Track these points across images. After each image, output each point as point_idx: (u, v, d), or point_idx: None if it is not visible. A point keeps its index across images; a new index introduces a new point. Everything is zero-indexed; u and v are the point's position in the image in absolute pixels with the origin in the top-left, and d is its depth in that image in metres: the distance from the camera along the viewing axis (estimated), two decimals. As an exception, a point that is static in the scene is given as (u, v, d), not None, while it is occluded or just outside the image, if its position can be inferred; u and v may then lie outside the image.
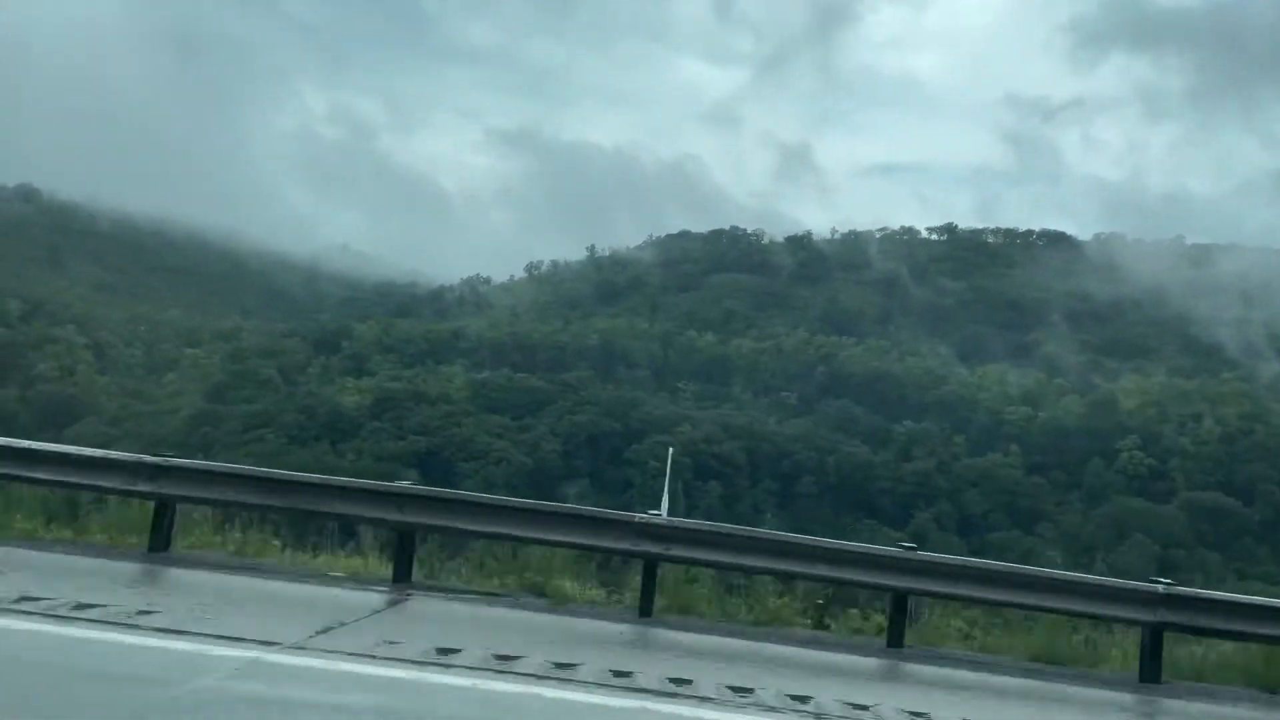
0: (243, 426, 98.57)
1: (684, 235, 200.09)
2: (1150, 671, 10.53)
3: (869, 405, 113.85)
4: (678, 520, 11.44)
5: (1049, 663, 10.88)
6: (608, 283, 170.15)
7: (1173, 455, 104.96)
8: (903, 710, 7.88)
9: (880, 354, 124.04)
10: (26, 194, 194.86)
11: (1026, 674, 10.23)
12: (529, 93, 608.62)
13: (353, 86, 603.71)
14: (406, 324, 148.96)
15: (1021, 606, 10.99)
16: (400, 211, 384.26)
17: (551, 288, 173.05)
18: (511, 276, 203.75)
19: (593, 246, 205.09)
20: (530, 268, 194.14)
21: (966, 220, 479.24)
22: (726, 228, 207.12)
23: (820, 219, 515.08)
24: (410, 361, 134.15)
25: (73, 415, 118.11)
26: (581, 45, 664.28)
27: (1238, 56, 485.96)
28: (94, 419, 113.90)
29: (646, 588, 10.76)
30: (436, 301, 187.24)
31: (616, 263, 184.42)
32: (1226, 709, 9.97)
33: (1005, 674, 10.08)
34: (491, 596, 10.90)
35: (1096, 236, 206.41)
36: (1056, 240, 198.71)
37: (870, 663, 10.10)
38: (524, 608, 10.46)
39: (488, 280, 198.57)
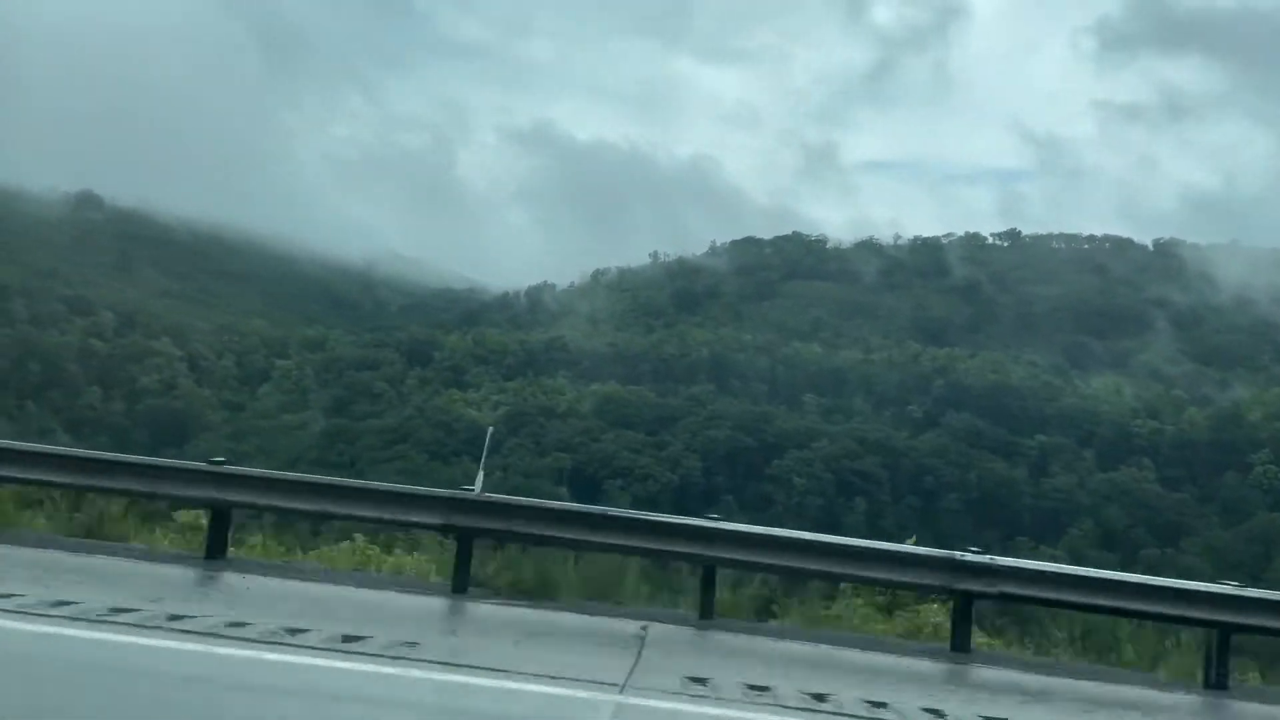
0: (381, 443, 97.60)
1: (749, 240, 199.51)
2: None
3: (990, 418, 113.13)
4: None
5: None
6: (685, 291, 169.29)
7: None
8: None
9: (996, 366, 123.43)
10: (90, 201, 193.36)
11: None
12: (533, 92, 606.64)
13: (364, 88, 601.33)
14: (498, 334, 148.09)
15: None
16: (434, 215, 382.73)
17: (629, 296, 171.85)
18: (572, 283, 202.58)
19: (656, 252, 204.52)
20: (597, 274, 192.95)
21: (991, 222, 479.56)
22: (789, 233, 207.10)
23: (837, 218, 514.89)
24: (509, 374, 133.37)
25: (183, 430, 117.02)
26: (578, 43, 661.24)
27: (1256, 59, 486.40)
28: (210, 434, 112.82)
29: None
30: (507, 309, 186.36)
31: (687, 269, 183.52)
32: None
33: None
34: None
35: (1157, 241, 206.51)
36: (1123, 245, 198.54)
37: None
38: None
39: (553, 286, 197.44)
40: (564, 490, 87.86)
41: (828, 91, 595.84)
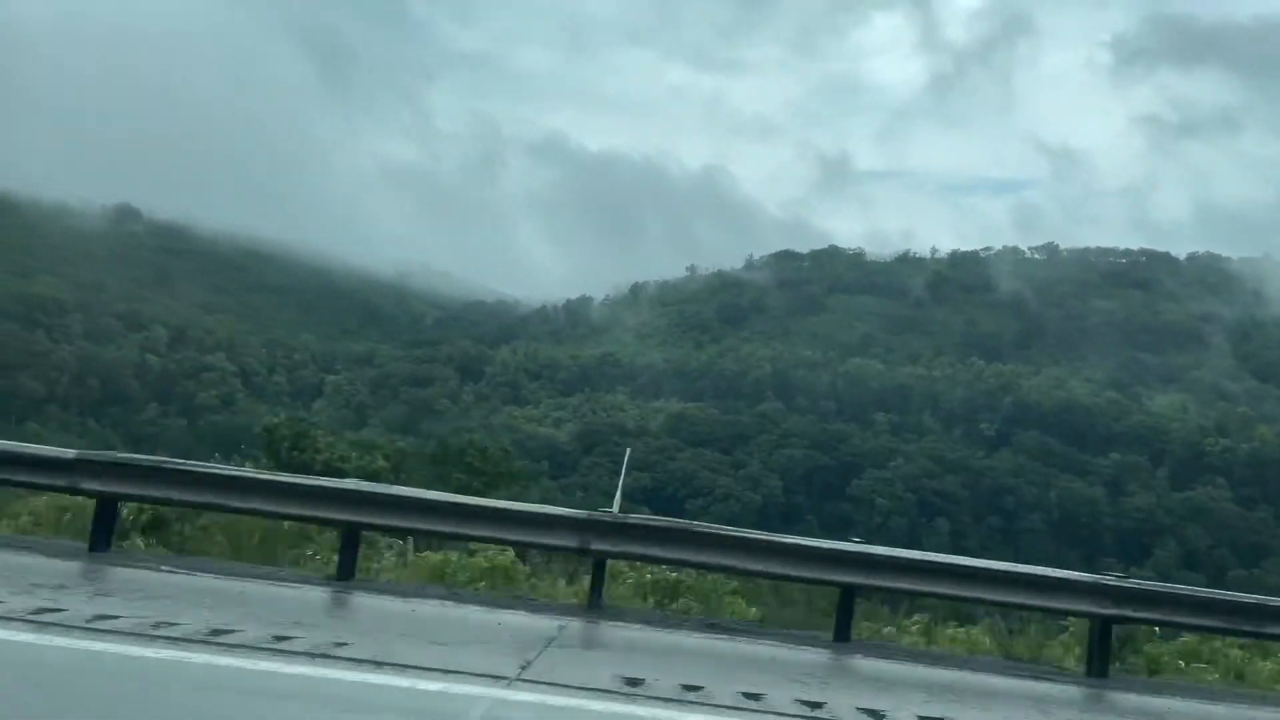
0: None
1: (787, 254, 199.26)
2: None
3: (1058, 436, 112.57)
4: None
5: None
6: (730, 305, 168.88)
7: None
8: None
9: (1059, 382, 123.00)
10: (128, 214, 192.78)
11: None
12: (539, 103, 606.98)
13: (371, 100, 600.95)
14: (548, 348, 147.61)
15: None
16: (454, 227, 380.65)
17: (674, 310, 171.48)
18: (607, 296, 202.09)
19: (693, 266, 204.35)
20: (636, 288, 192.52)
21: (1004, 233, 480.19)
22: (825, 247, 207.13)
23: (850, 228, 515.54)
24: (565, 390, 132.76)
25: (245, 447, 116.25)
26: (578, 54, 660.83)
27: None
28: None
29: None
30: (545, 323, 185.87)
31: (728, 283, 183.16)
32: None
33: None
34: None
35: (1191, 255, 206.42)
36: (1159, 260, 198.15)
37: None
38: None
39: (590, 300, 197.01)
40: (646, 510, 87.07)
41: (828, 102, 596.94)
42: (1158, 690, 10.18)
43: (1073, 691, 9.63)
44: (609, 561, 10.95)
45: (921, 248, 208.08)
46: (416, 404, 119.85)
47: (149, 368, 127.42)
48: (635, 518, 10.59)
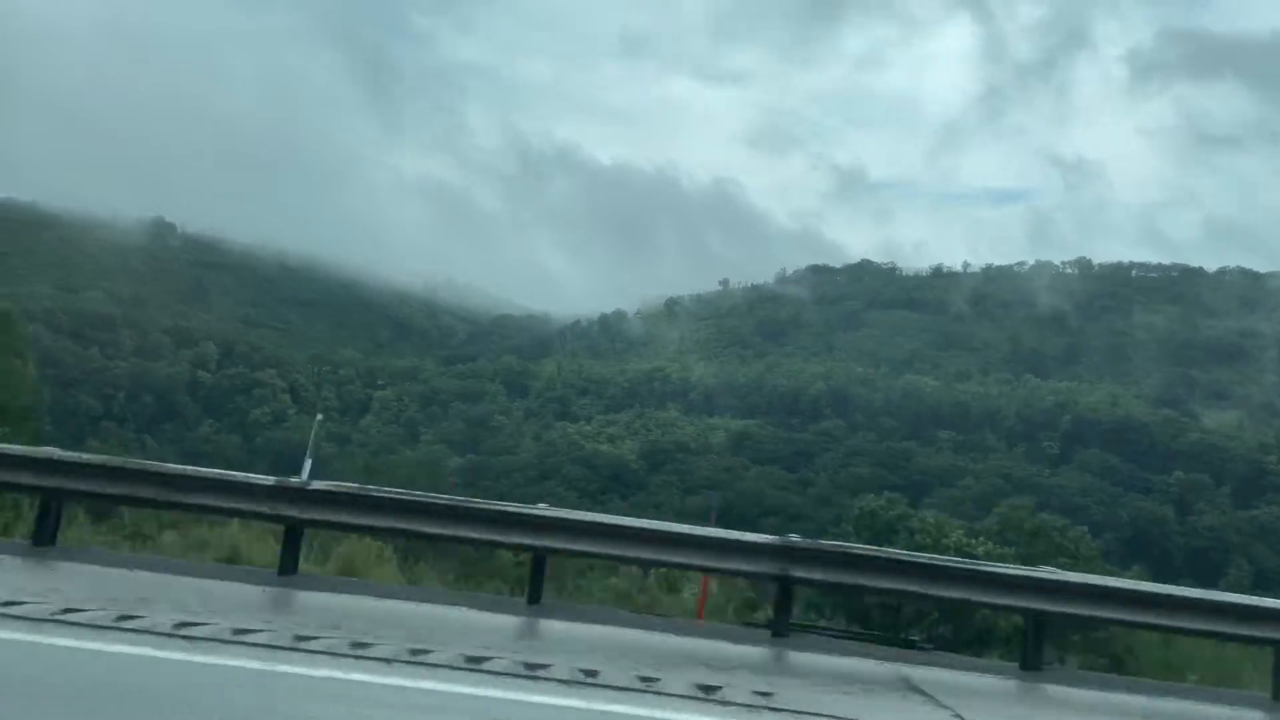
0: (525, 480, 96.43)
1: (821, 268, 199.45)
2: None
3: (1117, 453, 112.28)
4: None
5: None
6: (769, 320, 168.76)
7: None
8: None
9: (1115, 399, 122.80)
10: (163, 228, 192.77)
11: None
12: (544, 114, 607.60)
13: (378, 111, 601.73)
14: (592, 364, 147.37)
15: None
16: (469, 240, 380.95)
17: (711, 324, 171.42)
18: (638, 310, 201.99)
19: (726, 280, 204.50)
20: (670, 303, 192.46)
21: (1020, 246, 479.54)
22: (856, 261, 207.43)
23: (860, 239, 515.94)
24: (615, 405, 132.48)
25: (297, 463, 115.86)
26: (580, 64, 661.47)
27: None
28: (334, 467, 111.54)
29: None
30: (581, 337, 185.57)
31: (764, 298, 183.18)
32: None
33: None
34: None
35: (1222, 270, 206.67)
36: (1192, 275, 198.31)
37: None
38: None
39: (624, 314, 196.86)
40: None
41: (830, 112, 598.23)
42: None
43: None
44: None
45: (935, 257, 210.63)
46: (470, 420, 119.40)
47: (200, 384, 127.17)
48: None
